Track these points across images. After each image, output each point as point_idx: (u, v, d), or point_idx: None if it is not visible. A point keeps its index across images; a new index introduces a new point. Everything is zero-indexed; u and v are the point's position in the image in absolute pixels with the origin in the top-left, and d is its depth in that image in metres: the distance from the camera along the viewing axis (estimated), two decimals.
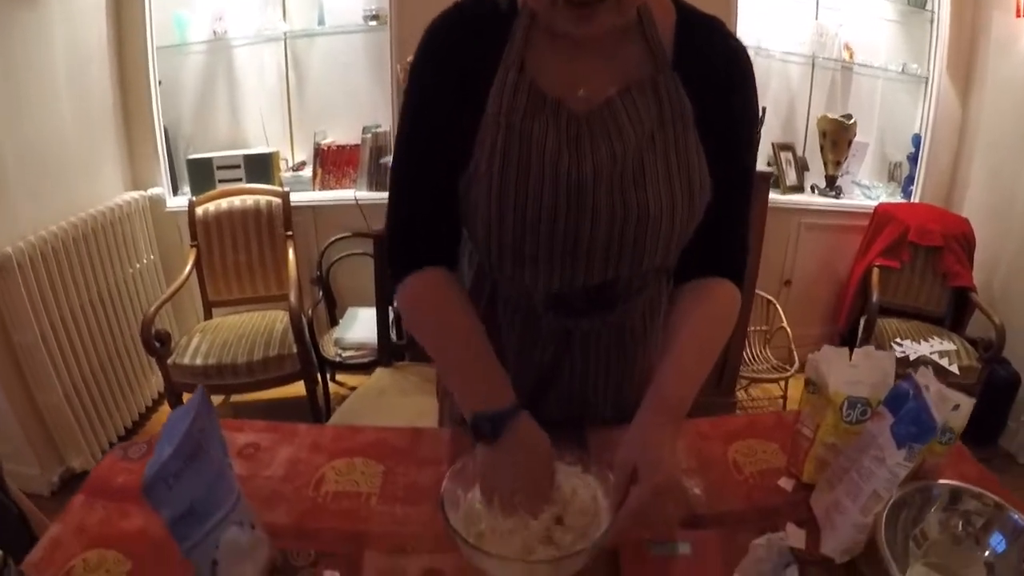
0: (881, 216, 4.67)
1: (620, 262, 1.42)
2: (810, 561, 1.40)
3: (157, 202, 4.46)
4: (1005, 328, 3.87)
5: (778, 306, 4.47)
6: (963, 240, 4.46)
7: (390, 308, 2.98)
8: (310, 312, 4.30)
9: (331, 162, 4.69)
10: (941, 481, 1.47)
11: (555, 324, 1.57)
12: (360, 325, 4.22)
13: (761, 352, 4.53)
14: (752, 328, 4.30)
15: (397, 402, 2.80)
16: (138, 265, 4.23)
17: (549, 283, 1.42)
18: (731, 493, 1.55)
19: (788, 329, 4.32)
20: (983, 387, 3.99)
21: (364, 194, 4.56)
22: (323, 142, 4.68)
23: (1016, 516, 1.40)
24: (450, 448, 1.60)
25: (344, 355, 4.13)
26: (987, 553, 1.41)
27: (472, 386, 1.36)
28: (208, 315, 4.40)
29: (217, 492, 1.22)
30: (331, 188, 4.71)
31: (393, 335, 3.10)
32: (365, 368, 3.90)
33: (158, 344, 3.50)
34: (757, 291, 3.69)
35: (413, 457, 1.60)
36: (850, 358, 1.55)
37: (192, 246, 4.22)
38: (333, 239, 4.47)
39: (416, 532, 1.37)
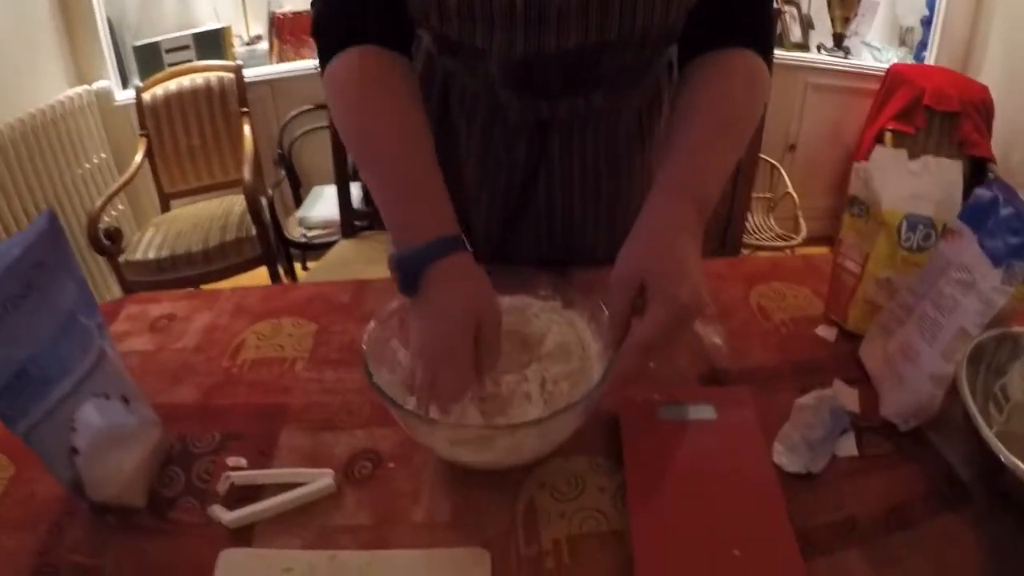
0: (894, 77, 4.27)
1: (604, 19, 1.04)
2: (868, 428, 1.07)
3: (104, 96, 4.09)
4: None
5: (783, 171, 4.13)
6: (982, 107, 4.07)
7: (349, 167, 2.64)
8: (271, 193, 4.00)
9: (288, 32, 4.41)
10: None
11: (524, 113, 1.23)
12: (325, 202, 3.92)
13: (765, 221, 4.20)
14: (756, 195, 3.97)
15: (363, 272, 2.44)
16: (88, 165, 3.92)
17: (510, 48, 1.06)
18: (759, 344, 1.23)
19: (795, 195, 3.98)
20: None
21: None
22: (278, 11, 4.32)
23: None
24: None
25: (310, 235, 3.84)
26: None
27: (401, 210, 1.02)
28: (166, 208, 4.09)
29: (63, 351, 0.88)
30: (291, 60, 4.33)
31: (357, 202, 2.77)
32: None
33: (108, 242, 3.26)
34: (760, 155, 3.37)
35: (355, 313, 1.28)
36: None
37: (142, 135, 3.90)
38: (294, 114, 4.12)
39: (348, 402, 1.08)
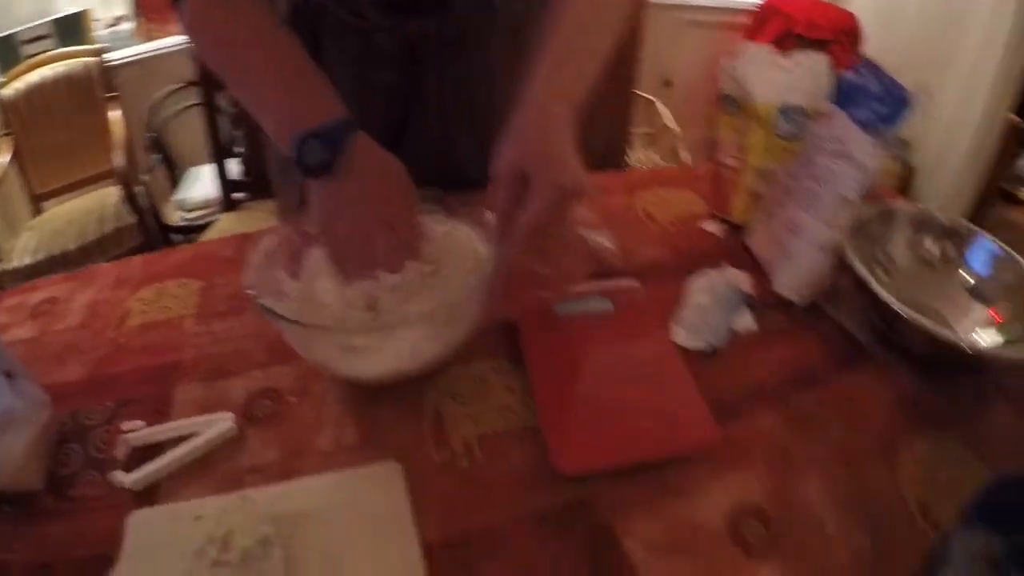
0: (767, 10, 4.35)
1: None
2: (764, 306, 1.11)
3: None
4: None
5: (660, 105, 4.17)
6: (851, 35, 4.19)
7: (223, 139, 2.57)
8: (147, 179, 3.82)
9: (152, 8, 4.14)
10: (898, 202, 1.22)
11: (395, 36, 1.21)
12: (202, 182, 3.78)
13: (645, 155, 4.24)
14: (634, 130, 4.00)
15: None
16: None
17: None
18: (648, 243, 1.26)
19: (674, 128, 4.02)
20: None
21: None
22: None
23: (986, 237, 1.18)
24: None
25: (190, 216, 3.70)
26: (968, 276, 1.19)
27: (288, 105, 0.97)
28: (38, 211, 3.84)
29: None
30: (159, 38, 4.16)
31: (235, 175, 2.71)
32: None
33: None
34: (636, 92, 3.40)
35: (238, 265, 1.25)
36: None
37: (6, 135, 3.64)
38: (163, 94, 3.95)
39: (241, 348, 1.05)
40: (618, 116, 2.72)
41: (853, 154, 1.04)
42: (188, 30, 1.06)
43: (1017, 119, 3.60)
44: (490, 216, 0.94)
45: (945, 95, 3.62)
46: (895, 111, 1.03)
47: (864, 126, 1.04)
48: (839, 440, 0.93)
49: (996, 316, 1.14)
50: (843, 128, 1.07)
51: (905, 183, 3.83)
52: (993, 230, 1.14)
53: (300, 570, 0.72)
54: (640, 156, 4.10)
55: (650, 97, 4.10)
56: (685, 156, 3.85)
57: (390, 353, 0.88)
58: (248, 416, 0.93)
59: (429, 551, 0.75)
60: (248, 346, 1.05)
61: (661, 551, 0.78)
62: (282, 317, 0.83)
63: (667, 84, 4.49)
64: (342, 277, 0.93)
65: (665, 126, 4.00)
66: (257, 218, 2.69)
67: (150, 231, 3.49)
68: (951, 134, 3.63)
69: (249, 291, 0.87)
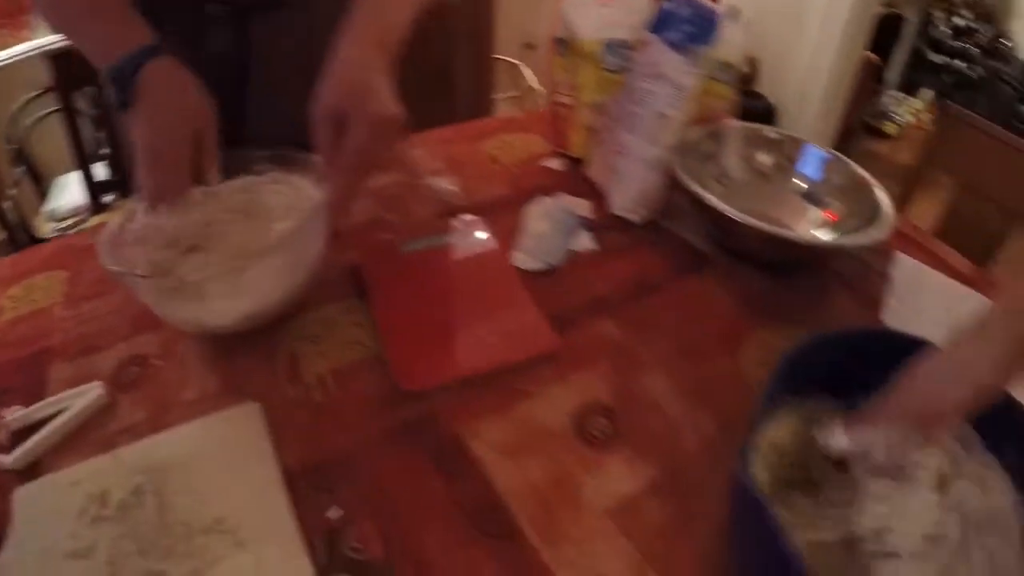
0: None
1: None
2: (605, 227, 1.15)
3: None
4: (756, 60, 3.90)
5: (523, 67, 4.20)
6: None
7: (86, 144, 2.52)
8: (14, 192, 3.71)
9: (2, 14, 3.97)
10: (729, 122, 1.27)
11: (223, 5, 1.23)
12: (71, 190, 3.69)
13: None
14: (498, 95, 4.02)
15: None
16: None
17: None
18: (492, 183, 1.29)
19: (540, 89, 4.06)
20: (742, 119, 3.86)
21: (52, 38, 3.85)
22: None
23: (813, 144, 1.27)
24: None
25: (62, 226, 3.60)
26: (801, 183, 1.26)
27: (102, 34, 1.00)
28: None
29: None
30: (8, 45, 4.00)
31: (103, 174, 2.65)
32: None
33: None
34: (499, 56, 3.41)
35: None
36: None
37: None
38: (21, 103, 3.82)
39: (107, 325, 1.04)
40: (480, 81, 2.75)
41: (667, 74, 1.10)
42: None
43: (872, 56, 3.73)
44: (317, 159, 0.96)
45: (803, 36, 3.72)
46: (704, 31, 1.09)
47: (676, 47, 1.10)
48: (682, 337, 0.98)
49: (831, 216, 1.20)
50: (658, 52, 1.12)
51: (767, 123, 3.94)
52: (860, 162, 1.20)
53: (172, 510, 0.74)
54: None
55: (513, 61, 4.12)
56: None
57: (239, 291, 0.89)
58: (117, 384, 0.93)
59: (290, 477, 0.77)
60: (113, 322, 1.04)
61: (508, 451, 0.81)
62: (132, 274, 0.85)
63: (529, 47, 4.51)
64: (150, 202, 0.93)
65: (530, 87, 4.03)
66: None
67: (22, 246, 3.38)
68: (811, 72, 3.75)
69: (105, 263, 0.87)
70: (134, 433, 0.84)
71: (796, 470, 0.72)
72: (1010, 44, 4.67)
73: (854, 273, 1.14)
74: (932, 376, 0.66)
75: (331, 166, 0.92)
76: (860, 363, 0.72)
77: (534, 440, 0.83)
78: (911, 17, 4.77)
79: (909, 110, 4.75)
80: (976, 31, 4.73)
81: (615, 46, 1.23)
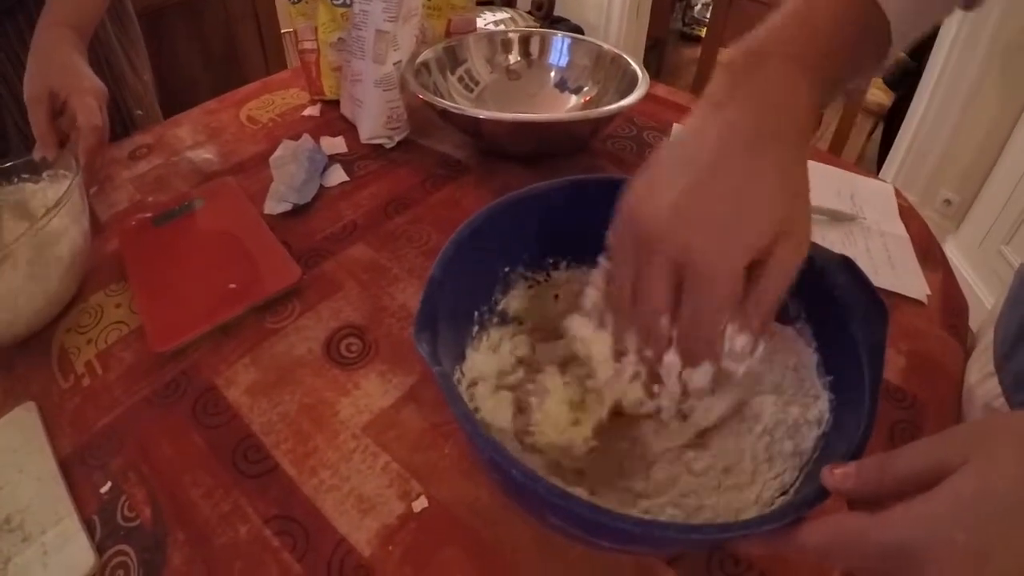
0: None
1: None
2: (358, 158, 1.14)
3: None
4: None
5: None
6: None
7: None
8: None
9: None
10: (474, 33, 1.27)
11: None
12: None
13: None
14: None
15: None
16: None
17: None
18: (247, 144, 1.24)
19: None
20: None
21: None
22: None
23: (558, 34, 1.27)
24: None
25: None
26: (553, 74, 1.27)
27: None
28: None
29: None
30: None
31: None
32: None
33: None
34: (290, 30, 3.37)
35: None
36: None
37: None
38: None
39: None
40: (269, 58, 2.75)
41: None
42: None
43: None
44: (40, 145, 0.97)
45: None
46: None
47: None
48: (435, 245, 0.97)
49: (585, 99, 1.19)
50: None
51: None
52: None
53: None
54: None
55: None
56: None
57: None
58: None
59: (66, 463, 0.75)
60: None
61: (262, 391, 0.79)
62: None
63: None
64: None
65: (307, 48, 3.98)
66: None
67: None
68: None
69: None
70: None
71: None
72: None
73: (625, 149, 1.16)
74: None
75: (47, 140, 0.96)
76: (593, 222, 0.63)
77: (286, 374, 0.81)
78: None
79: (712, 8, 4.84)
80: None
81: None
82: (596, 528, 0.48)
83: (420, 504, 0.68)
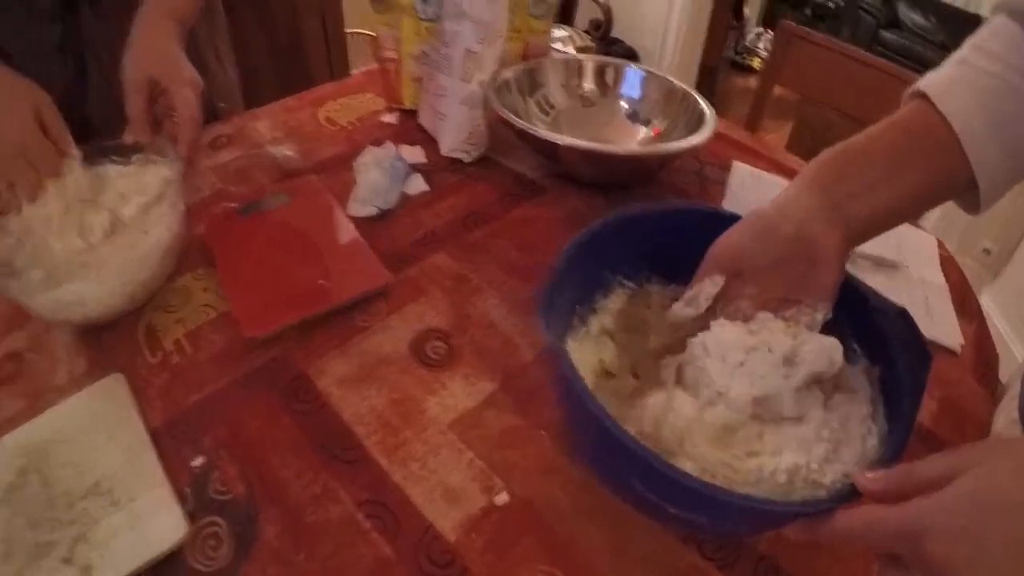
0: None
1: None
2: (437, 169, 1.23)
3: None
4: (611, 8, 3.90)
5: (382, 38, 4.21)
6: None
7: None
8: None
9: None
10: (554, 55, 1.37)
11: (49, 1, 1.25)
12: None
13: None
14: (357, 70, 4.01)
15: None
16: None
17: None
18: (327, 144, 1.34)
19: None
20: None
21: None
22: None
23: (632, 66, 1.36)
24: None
25: None
26: (624, 104, 1.36)
27: None
28: None
29: None
30: None
31: None
32: None
33: None
34: (355, 30, 3.42)
35: None
36: None
37: None
38: None
39: None
40: (334, 55, 2.82)
41: (469, 12, 1.16)
42: None
43: None
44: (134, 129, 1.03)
45: None
46: None
47: None
48: (513, 260, 1.06)
49: (655, 131, 1.28)
50: None
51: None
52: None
53: (55, 484, 0.79)
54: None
55: (371, 33, 4.12)
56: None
57: (102, 272, 0.92)
58: None
59: (157, 436, 0.82)
60: None
61: (352, 383, 0.88)
62: None
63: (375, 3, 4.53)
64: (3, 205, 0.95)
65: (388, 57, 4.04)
66: None
67: None
68: (666, 14, 3.86)
69: None
70: (14, 423, 0.88)
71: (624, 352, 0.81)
72: None
73: (690, 183, 1.25)
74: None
75: (144, 130, 1.02)
76: (685, 245, 0.78)
77: (375, 370, 0.90)
78: None
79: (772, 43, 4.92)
80: None
81: None
82: (679, 494, 0.58)
83: (502, 498, 0.76)
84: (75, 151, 0.99)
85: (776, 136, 1.82)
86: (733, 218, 0.75)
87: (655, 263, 0.84)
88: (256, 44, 2.60)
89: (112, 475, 0.80)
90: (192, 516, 0.74)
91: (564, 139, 1.10)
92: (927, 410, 0.91)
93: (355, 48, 3.22)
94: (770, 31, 5.04)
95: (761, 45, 4.99)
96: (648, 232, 0.82)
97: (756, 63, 4.92)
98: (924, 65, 0.74)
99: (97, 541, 0.73)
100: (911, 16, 4.66)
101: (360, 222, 1.10)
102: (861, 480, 0.57)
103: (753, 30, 5.11)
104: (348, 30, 3.03)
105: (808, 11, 5.03)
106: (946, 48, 4.29)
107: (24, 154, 0.94)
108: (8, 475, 0.81)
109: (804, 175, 0.72)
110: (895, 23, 4.73)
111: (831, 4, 4.93)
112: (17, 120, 0.95)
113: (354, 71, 3.55)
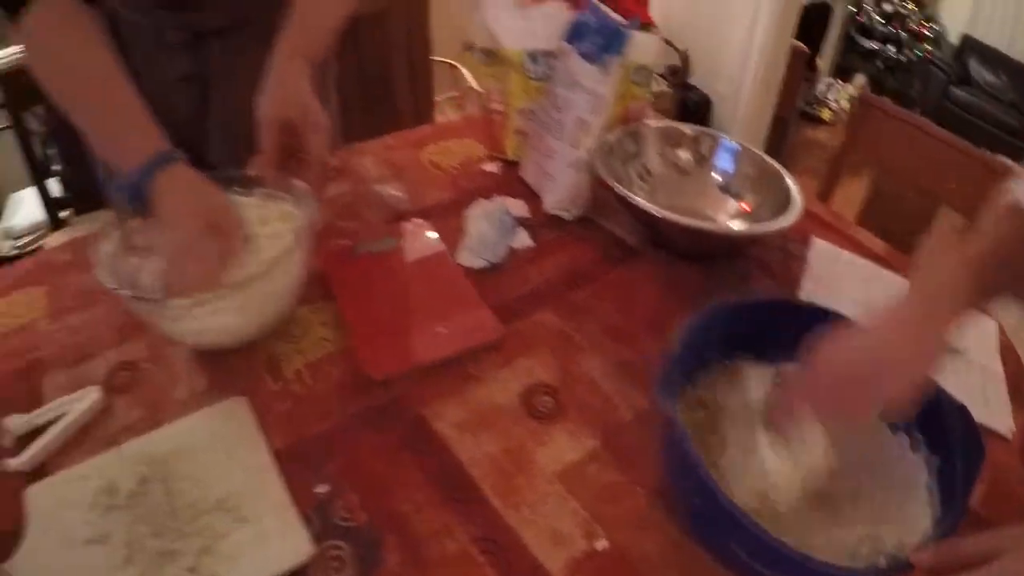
0: None
1: None
2: (540, 224, 1.32)
3: None
4: (689, 55, 4.00)
5: (462, 68, 4.30)
6: None
7: (39, 159, 2.55)
8: None
9: None
10: (648, 121, 1.44)
11: (181, 30, 1.34)
12: (27, 207, 3.66)
13: (454, 117, 4.34)
14: (439, 97, 4.11)
15: None
16: None
17: None
18: (434, 188, 1.44)
19: (478, 88, 4.15)
20: (679, 111, 4.07)
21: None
22: None
23: (728, 139, 1.44)
24: None
25: (20, 244, 3.56)
26: (718, 176, 1.43)
27: (112, 135, 1.09)
28: None
29: None
30: None
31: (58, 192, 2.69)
32: None
33: None
34: (437, 58, 3.50)
35: (79, 264, 1.33)
36: None
37: None
38: None
39: (95, 334, 1.15)
40: (419, 84, 2.90)
41: (583, 83, 1.26)
42: (25, 39, 1.14)
43: (800, 45, 3.91)
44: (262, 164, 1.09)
45: (733, 28, 3.89)
46: (613, 42, 1.24)
47: (588, 58, 1.26)
48: (613, 323, 1.14)
49: (745, 207, 1.36)
50: (574, 62, 1.28)
51: (703, 113, 4.11)
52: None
53: (178, 496, 0.87)
54: (451, 119, 4.21)
55: (452, 62, 4.21)
56: None
57: (234, 309, 1.00)
58: (111, 388, 1.04)
59: (278, 460, 0.91)
60: (101, 332, 1.15)
61: (468, 428, 0.97)
62: (141, 297, 0.98)
63: (469, 47, 4.60)
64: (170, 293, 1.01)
65: (470, 87, 4.11)
66: (86, 231, 2.63)
67: None
68: (742, 63, 3.92)
69: (104, 282, 0.97)
70: (133, 431, 0.96)
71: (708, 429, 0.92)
72: (938, 28, 4.93)
73: (773, 258, 1.32)
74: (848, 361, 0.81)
75: (274, 166, 1.08)
76: (777, 331, 0.92)
77: (488, 417, 0.99)
78: (840, 4, 4.99)
79: (844, 96, 4.98)
80: (905, 16, 4.98)
81: (537, 55, 1.38)
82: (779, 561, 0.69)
83: (602, 544, 0.85)
84: (244, 239, 1.06)
85: (845, 198, 1.87)
86: (815, 309, 0.95)
87: (747, 342, 0.96)
88: (348, 78, 2.68)
89: (238, 493, 0.87)
90: (316, 538, 0.82)
91: (665, 213, 1.18)
92: (975, 492, 0.98)
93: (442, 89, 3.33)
94: (840, 82, 5.09)
95: (831, 96, 5.03)
96: (745, 317, 0.94)
97: (826, 114, 4.95)
98: (994, 124, 0.82)
99: (223, 554, 0.80)
100: (982, 74, 4.72)
101: (470, 272, 1.20)
102: (913, 555, 0.70)
103: (824, 80, 5.16)
104: (432, 57, 3.12)
105: (879, 63, 5.07)
106: (1016, 107, 4.39)
107: (192, 253, 1.01)
108: (129, 482, 0.88)
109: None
110: (966, 80, 4.78)
111: (902, 58, 4.98)
112: (190, 225, 1.02)
113: (437, 97, 3.65)
